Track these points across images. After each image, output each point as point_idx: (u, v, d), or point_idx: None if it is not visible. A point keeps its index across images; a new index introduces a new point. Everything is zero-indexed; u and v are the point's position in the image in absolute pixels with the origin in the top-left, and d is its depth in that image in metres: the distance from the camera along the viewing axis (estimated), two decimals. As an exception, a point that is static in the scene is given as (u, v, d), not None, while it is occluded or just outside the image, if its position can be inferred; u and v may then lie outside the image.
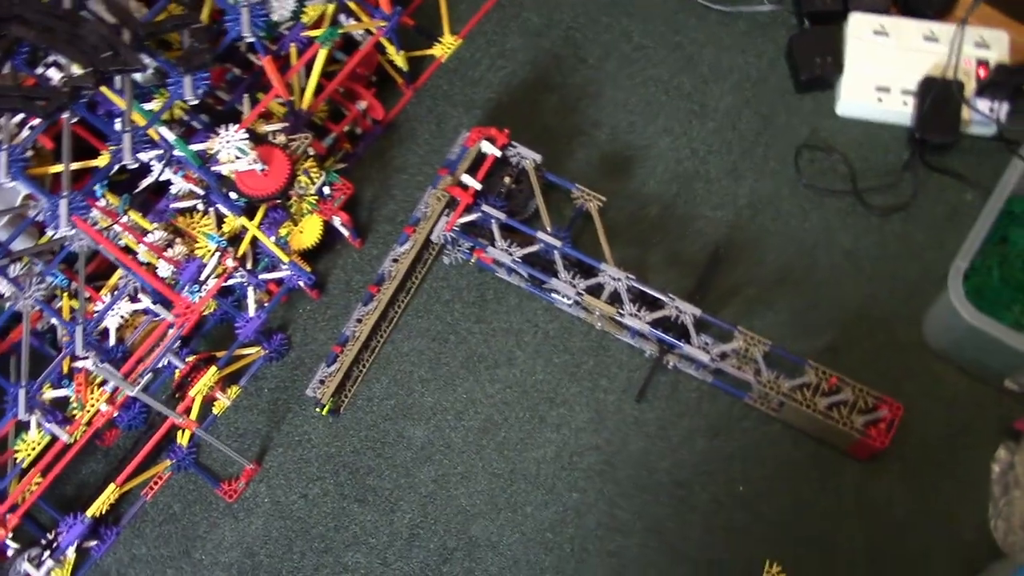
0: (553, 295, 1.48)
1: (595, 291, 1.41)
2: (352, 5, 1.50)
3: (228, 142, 1.30)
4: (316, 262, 1.56)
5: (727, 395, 1.45)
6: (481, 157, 1.49)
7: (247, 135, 1.30)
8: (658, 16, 1.69)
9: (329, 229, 1.52)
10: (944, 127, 1.51)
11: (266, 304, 1.49)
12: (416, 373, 1.50)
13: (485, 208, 1.46)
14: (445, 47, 1.67)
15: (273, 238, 1.45)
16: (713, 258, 1.50)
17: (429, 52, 1.67)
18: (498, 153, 1.48)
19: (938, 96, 1.51)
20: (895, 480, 1.40)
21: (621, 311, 1.39)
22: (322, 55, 1.40)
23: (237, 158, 1.30)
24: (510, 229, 1.47)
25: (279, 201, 1.41)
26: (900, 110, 1.55)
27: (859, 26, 1.59)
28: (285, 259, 1.44)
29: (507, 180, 1.49)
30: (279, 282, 1.50)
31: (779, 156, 1.58)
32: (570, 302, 1.45)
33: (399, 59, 1.56)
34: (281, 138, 1.41)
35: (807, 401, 1.33)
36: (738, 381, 1.39)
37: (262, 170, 1.33)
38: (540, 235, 1.44)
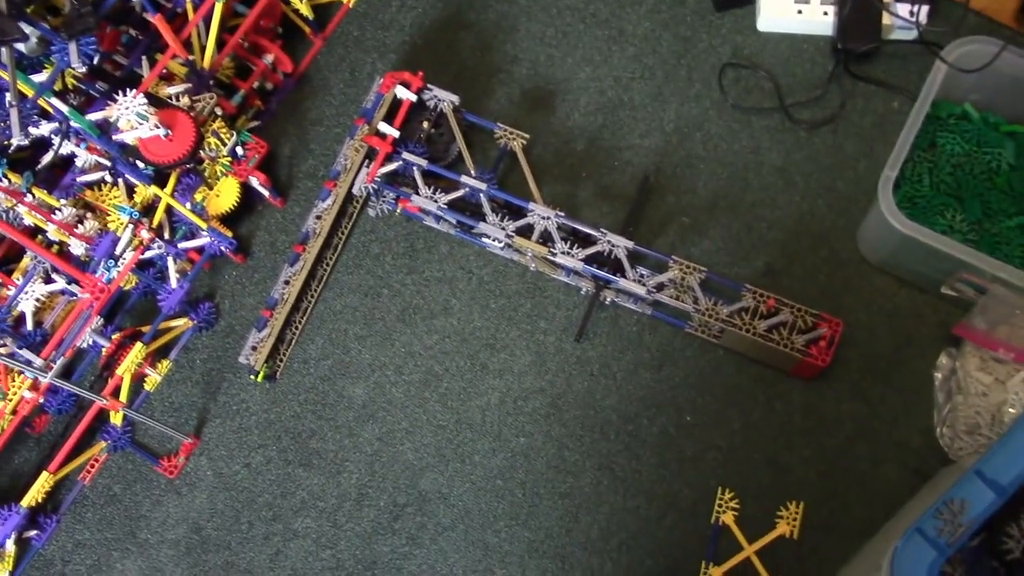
0: (484, 239, 1.44)
1: (525, 232, 1.38)
2: (248, -47, 1.44)
3: (127, 108, 1.24)
4: (238, 226, 1.51)
5: (668, 326, 1.43)
6: (398, 103, 1.44)
7: (146, 100, 1.24)
8: (570, -58, 1.64)
9: (248, 191, 1.47)
10: (865, 34, 1.48)
11: (188, 273, 1.44)
12: (351, 331, 1.47)
13: (405, 155, 1.41)
14: (352, -9, 1.61)
15: (188, 205, 1.39)
16: (643, 188, 1.47)
17: (335, -2, 1.61)
18: (414, 97, 1.43)
19: (857, 3, 1.48)
20: (842, 396, 1.39)
21: (553, 250, 1.36)
22: (219, 8, 1.34)
23: (138, 124, 1.24)
24: (434, 175, 1.43)
25: (189, 166, 1.35)
26: (821, 20, 1.52)
27: (775, -63, 1.55)
28: (203, 225, 1.39)
29: (426, 125, 1.45)
30: (200, 250, 1.44)
31: (703, 78, 1.54)
32: (501, 245, 1.42)
33: (303, 7, 1.49)
34: (185, 100, 1.35)
35: (746, 325, 1.32)
36: (677, 311, 1.37)
37: (166, 135, 1.28)
38: (464, 179, 1.40)
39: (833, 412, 1.39)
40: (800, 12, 1.52)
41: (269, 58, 1.50)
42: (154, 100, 1.29)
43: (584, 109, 1.54)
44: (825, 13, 1.52)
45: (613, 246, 1.35)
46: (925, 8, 1.47)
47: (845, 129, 1.51)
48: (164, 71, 1.36)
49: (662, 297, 1.34)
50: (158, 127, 1.25)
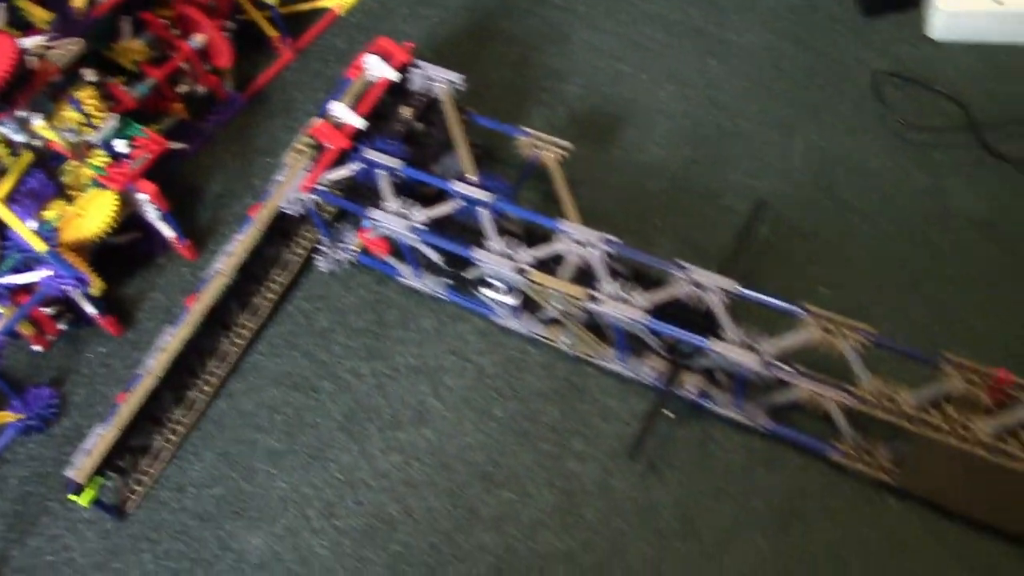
0: (487, 296, 0.87)
1: (553, 268, 0.82)
2: None
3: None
4: (124, 283, 0.99)
5: (798, 453, 0.81)
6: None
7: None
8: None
9: (149, 234, 0.96)
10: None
11: (7, 322, 0.90)
12: (263, 443, 0.89)
13: (366, 153, 0.88)
14: (342, -4, 1.16)
15: (32, 222, 0.89)
16: (755, 218, 0.90)
17: (320, 4, 1.16)
18: (395, 75, 0.93)
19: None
20: None
21: (595, 291, 0.78)
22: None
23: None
24: (414, 189, 0.89)
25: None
26: (1031, 17, 1.00)
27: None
28: (41, 248, 0.87)
29: (408, 113, 0.92)
30: (29, 289, 0.91)
31: (851, 98, 1.02)
32: (516, 303, 0.85)
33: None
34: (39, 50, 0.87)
35: (955, 429, 0.69)
36: (813, 426, 0.75)
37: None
38: (456, 185, 0.85)
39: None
40: (1001, 3, 1.00)
41: (198, 40, 1.02)
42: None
43: (664, 138, 1.01)
44: (1038, 5, 0.99)
45: (702, 288, 0.77)
46: None
47: (1083, 167, 0.94)
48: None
49: (786, 374, 0.73)
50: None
